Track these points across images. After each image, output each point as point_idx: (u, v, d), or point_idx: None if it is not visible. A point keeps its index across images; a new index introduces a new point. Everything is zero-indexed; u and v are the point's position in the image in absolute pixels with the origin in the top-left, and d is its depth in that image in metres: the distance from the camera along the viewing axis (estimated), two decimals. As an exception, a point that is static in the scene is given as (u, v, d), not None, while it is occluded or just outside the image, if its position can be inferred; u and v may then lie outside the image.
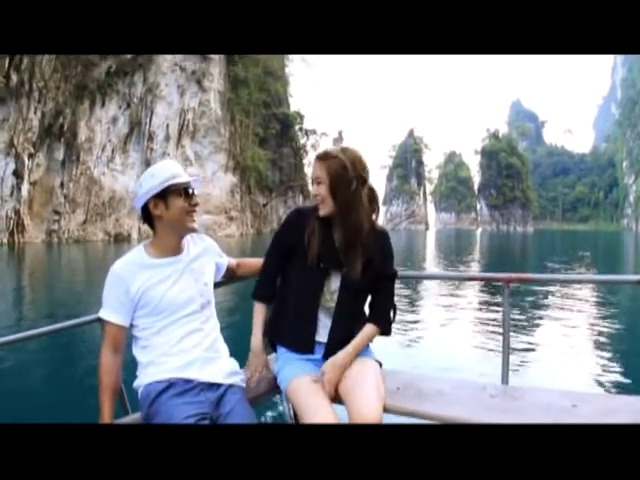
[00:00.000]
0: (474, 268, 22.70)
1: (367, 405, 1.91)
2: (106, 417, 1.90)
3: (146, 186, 2.02)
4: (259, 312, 2.33)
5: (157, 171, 2.04)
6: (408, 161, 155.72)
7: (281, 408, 3.40)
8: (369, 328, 2.23)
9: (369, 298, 2.34)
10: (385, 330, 2.28)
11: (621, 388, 5.58)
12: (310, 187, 2.34)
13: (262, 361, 2.28)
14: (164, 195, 2.02)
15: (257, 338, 2.30)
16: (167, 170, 2.04)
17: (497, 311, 9.96)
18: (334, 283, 2.21)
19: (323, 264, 2.18)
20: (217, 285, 2.43)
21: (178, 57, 50.32)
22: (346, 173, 2.10)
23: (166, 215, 2.04)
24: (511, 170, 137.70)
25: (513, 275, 2.55)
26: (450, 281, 14.62)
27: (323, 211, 2.17)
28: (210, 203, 52.44)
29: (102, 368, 1.97)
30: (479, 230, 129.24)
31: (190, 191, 2.08)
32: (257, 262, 2.52)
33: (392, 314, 2.32)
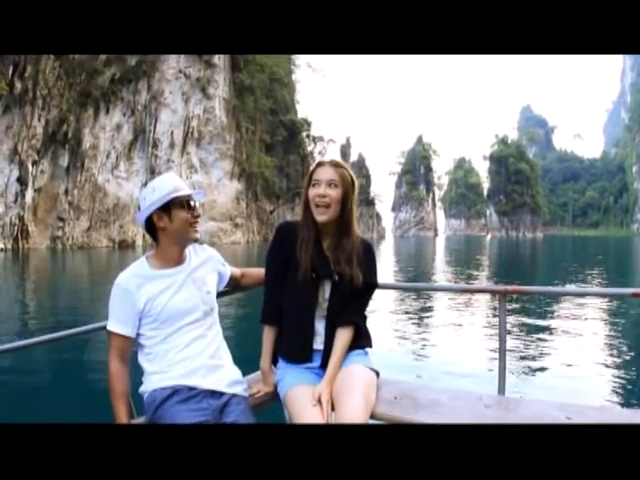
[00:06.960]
0: (483, 274, 22.92)
1: (351, 411, 1.93)
2: (123, 420, 1.98)
3: (149, 200, 2.08)
4: (268, 335, 2.35)
5: (159, 185, 2.10)
6: (417, 167, 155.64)
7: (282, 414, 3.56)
8: (342, 333, 2.23)
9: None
10: (358, 334, 2.29)
11: (618, 401, 5.61)
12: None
13: (269, 382, 2.36)
14: (167, 207, 2.08)
15: (266, 360, 2.36)
16: (169, 184, 2.10)
17: (495, 321, 10.23)
18: (327, 292, 2.25)
19: (316, 274, 2.20)
20: (221, 294, 2.52)
21: (182, 64, 50.51)
22: (354, 183, 2.24)
23: (170, 227, 2.10)
24: (520, 176, 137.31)
25: (509, 287, 2.58)
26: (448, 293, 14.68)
27: (326, 216, 2.18)
28: (215, 210, 52.35)
29: (112, 376, 2.04)
30: (488, 237, 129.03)
31: (192, 203, 2.15)
32: (261, 272, 2.54)
33: (363, 321, 2.36)
